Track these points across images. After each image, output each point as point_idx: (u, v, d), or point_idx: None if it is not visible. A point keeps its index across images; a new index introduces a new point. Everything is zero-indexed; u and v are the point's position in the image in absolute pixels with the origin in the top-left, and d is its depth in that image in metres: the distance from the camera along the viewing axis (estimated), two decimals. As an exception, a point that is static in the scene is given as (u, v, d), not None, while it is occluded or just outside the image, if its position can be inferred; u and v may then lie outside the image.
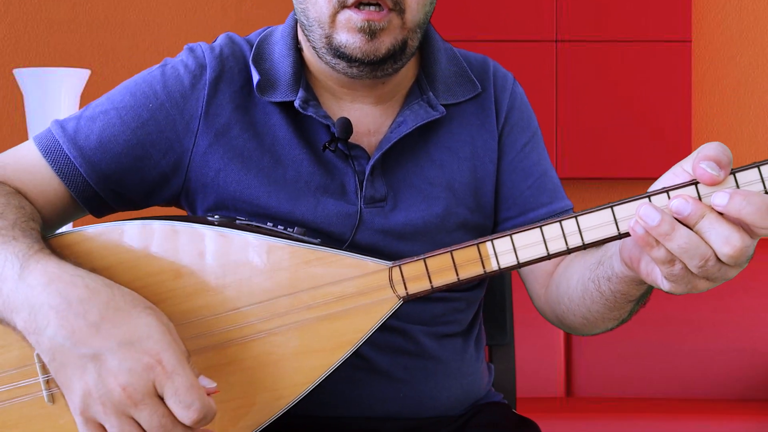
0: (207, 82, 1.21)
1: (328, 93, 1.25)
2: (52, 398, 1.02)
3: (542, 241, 0.97)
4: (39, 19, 3.71)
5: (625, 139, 3.56)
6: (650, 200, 0.92)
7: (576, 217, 0.96)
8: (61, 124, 1.21)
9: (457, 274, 1.00)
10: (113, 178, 1.20)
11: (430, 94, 1.25)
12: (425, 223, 1.23)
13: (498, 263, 0.99)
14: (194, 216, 1.15)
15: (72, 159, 1.18)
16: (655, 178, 0.96)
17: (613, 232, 0.95)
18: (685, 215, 0.89)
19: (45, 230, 1.10)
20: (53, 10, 3.71)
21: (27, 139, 3.06)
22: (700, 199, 0.91)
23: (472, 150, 1.27)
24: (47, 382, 1.02)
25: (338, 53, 1.16)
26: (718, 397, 3.26)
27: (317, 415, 1.21)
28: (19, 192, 1.15)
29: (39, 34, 3.70)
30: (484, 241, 0.99)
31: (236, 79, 1.22)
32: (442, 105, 1.24)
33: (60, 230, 1.14)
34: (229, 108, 1.21)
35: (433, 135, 1.26)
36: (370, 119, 1.24)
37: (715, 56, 3.75)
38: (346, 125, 1.18)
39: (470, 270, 1.00)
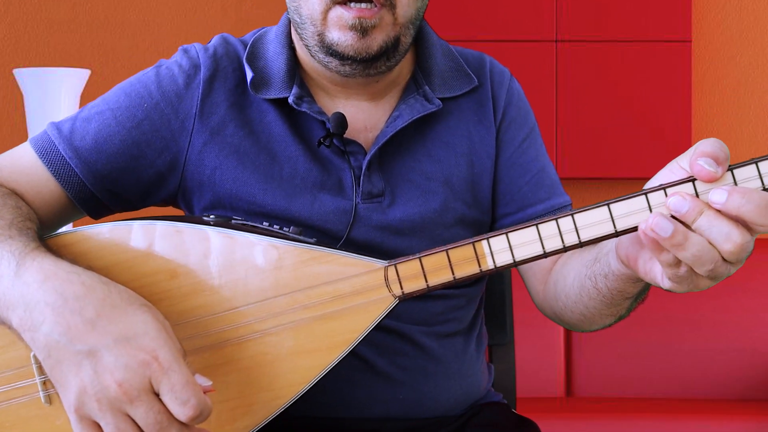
0: (201, 81, 1.21)
1: (322, 91, 1.25)
2: (49, 399, 1.02)
3: (538, 240, 0.97)
4: (39, 19, 3.71)
5: (625, 139, 3.56)
6: (647, 198, 0.92)
7: (572, 215, 0.96)
8: (57, 126, 1.21)
9: (453, 273, 1.00)
10: (109, 178, 1.20)
11: (426, 88, 1.25)
12: (422, 219, 1.23)
13: (494, 262, 0.99)
14: (190, 216, 1.15)
15: (68, 160, 1.18)
16: (656, 179, 0.96)
17: (610, 230, 0.95)
18: (682, 213, 0.88)
19: (42, 232, 1.10)
20: (53, 10, 3.71)
21: (27, 139, 3.06)
22: (697, 195, 0.90)
23: (469, 145, 1.27)
24: (44, 383, 1.02)
25: (330, 51, 1.16)
26: (718, 397, 3.26)
27: (316, 416, 1.21)
28: (15, 193, 1.15)
29: (39, 34, 3.70)
30: (480, 240, 0.99)
31: (230, 78, 1.23)
32: (439, 99, 1.25)
33: (56, 231, 1.14)
34: (224, 106, 1.21)
35: (430, 130, 1.26)
36: (365, 115, 1.24)
37: (715, 56, 3.75)
38: (341, 120, 1.18)
39: (466, 269, 1.00)
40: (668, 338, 3.30)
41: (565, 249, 0.96)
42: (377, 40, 1.15)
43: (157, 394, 0.93)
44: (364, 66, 1.17)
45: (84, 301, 0.94)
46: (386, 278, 1.02)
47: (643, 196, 0.92)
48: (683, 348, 3.30)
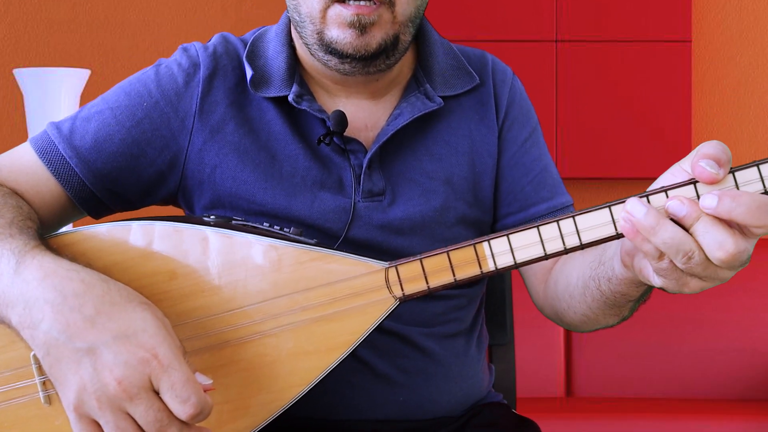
0: (201, 79, 1.21)
1: (322, 90, 1.25)
2: (49, 399, 1.01)
3: (539, 242, 0.96)
4: (39, 19, 3.71)
5: (625, 139, 3.55)
6: (649, 200, 0.92)
7: (573, 217, 0.95)
8: (57, 126, 1.21)
9: (454, 275, 1.00)
10: (109, 177, 1.20)
11: (427, 86, 1.25)
12: (423, 218, 1.22)
13: (495, 264, 0.98)
14: (190, 216, 1.15)
15: (68, 159, 1.18)
16: (655, 178, 0.95)
17: (611, 232, 0.95)
18: (680, 216, 0.88)
19: (43, 232, 1.09)
20: (53, 10, 3.71)
21: (27, 139, 3.06)
22: (698, 198, 0.90)
23: (470, 144, 1.27)
24: (43, 383, 1.01)
25: (330, 49, 1.16)
26: (718, 397, 3.26)
27: (316, 417, 1.21)
28: (16, 193, 1.15)
29: (39, 34, 3.70)
30: (481, 242, 0.98)
31: (230, 76, 1.23)
32: (440, 97, 1.24)
33: (57, 231, 1.14)
34: (224, 104, 1.21)
35: (431, 129, 1.25)
36: (366, 114, 1.24)
37: (715, 56, 3.75)
38: (341, 118, 1.18)
39: (467, 270, 0.99)
40: (668, 338, 3.30)
41: (566, 251, 0.96)
42: (376, 38, 1.15)
43: (156, 392, 0.92)
44: (364, 64, 1.17)
45: (83, 299, 0.94)
46: (387, 279, 1.02)
47: (645, 199, 0.92)
48: (683, 348, 3.30)
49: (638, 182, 3.61)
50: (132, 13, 3.74)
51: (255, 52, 1.24)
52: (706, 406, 3.05)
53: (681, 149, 3.50)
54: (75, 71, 2.82)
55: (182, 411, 0.91)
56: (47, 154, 1.19)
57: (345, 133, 1.20)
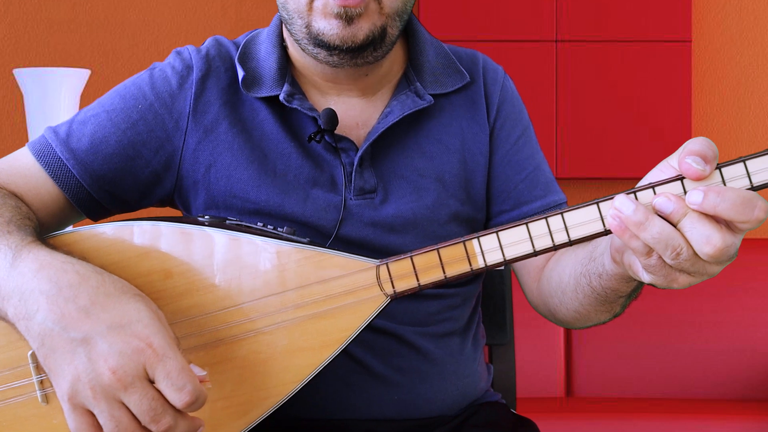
0: (194, 81, 1.23)
1: (314, 88, 1.26)
2: (46, 398, 1.02)
3: (528, 239, 0.97)
4: (39, 19, 3.71)
5: (625, 139, 3.56)
6: (636, 196, 0.92)
7: (562, 214, 0.96)
8: (54, 130, 1.23)
9: (444, 272, 1.00)
10: (106, 179, 1.21)
11: (418, 84, 1.26)
12: (415, 215, 1.23)
13: (485, 261, 0.99)
14: (185, 216, 1.16)
15: (65, 161, 1.20)
16: (656, 178, 0.96)
17: (599, 228, 0.95)
18: (667, 213, 0.89)
19: (42, 233, 1.10)
20: (53, 10, 3.71)
21: (27, 139, 3.06)
22: (686, 194, 0.90)
23: (462, 142, 1.27)
24: (41, 382, 1.02)
25: (317, 41, 1.17)
26: (718, 397, 3.26)
27: (311, 417, 1.21)
28: (15, 195, 1.16)
29: (39, 34, 3.71)
30: (471, 239, 0.99)
31: (223, 78, 1.24)
32: (431, 95, 1.25)
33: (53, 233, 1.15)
34: (217, 105, 1.22)
35: (422, 126, 1.26)
36: (357, 112, 1.25)
37: (715, 56, 3.75)
38: (331, 115, 1.19)
39: (457, 268, 1.00)
40: (668, 338, 3.30)
41: (555, 248, 0.97)
42: (363, 29, 1.16)
43: (151, 382, 0.93)
44: (352, 55, 1.18)
45: (78, 290, 0.95)
46: (378, 277, 1.02)
47: (632, 195, 0.92)
48: (683, 348, 3.30)
49: (638, 182, 3.61)
50: (132, 13, 3.74)
51: (247, 54, 1.26)
52: (706, 406, 3.05)
53: (681, 149, 3.49)
54: (75, 71, 2.82)
55: (178, 399, 0.92)
56: (45, 157, 1.20)
57: (336, 131, 1.22)
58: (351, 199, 1.22)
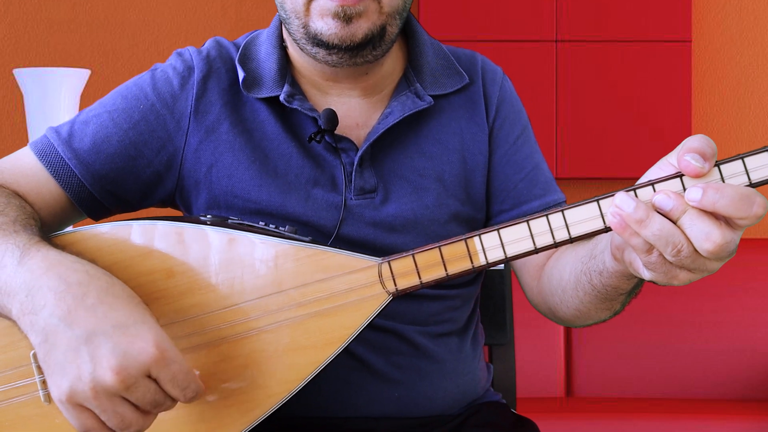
0: (195, 82, 1.23)
1: (314, 89, 1.26)
2: (49, 398, 1.02)
3: (529, 236, 0.98)
4: (39, 19, 3.71)
5: (625, 139, 3.56)
6: (636, 194, 0.92)
7: (563, 211, 0.97)
8: (56, 130, 1.24)
9: (446, 270, 1.01)
10: (108, 178, 1.21)
11: (418, 85, 1.26)
12: (415, 215, 1.23)
13: (486, 258, 0.99)
14: (187, 216, 1.16)
15: (67, 161, 1.20)
16: (655, 178, 0.96)
17: (600, 225, 0.96)
18: (667, 210, 0.89)
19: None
20: (53, 10, 3.71)
21: (27, 139, 3.06)
22: (685, 191, 0.91)
23: (461, 142, 1.28)
24: (43, 382, 1.02)
25: (316, 41, 1.17)
26: (718, 397, 3.26)
27: (312, 416, 1.22)
28: (17, 194, 1.17)
29: (39, 34, 3.71)
30: (472, 237, 0.99)
31: (224, 79, 1.25)
32: (431, 96, 1.26)
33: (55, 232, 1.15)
34: (218, 105, 1.23)
35: (422, 127, 1.27)
36: (357, 112, 1.25)
37: (715, 56, 3.75)
38: (331, 116, 1.19)
39: (458, 265, 1.00)
40: (668, 338, 3.31)
41: (556, 245, 0.97)
42: (362, 28, 1.16)
43: (153, 378, 0.94)
44: (351, 55, 1.18)
45: (87, 288, 0.96)
46: (380, 275, 1.02)
47: (633, 192, 0.93)
48: (683, 348, 3.30)
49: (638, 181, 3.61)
50: (132, 13, 3.74)
51: (247, 55, 1.26)
52: (706, 406, 3.06)
53: (681, 149, 3.49)
54: (75, 71, 2.82)
55: (183, 396, 0.95)
56: (47, 156, 1.20)
57: (337, 132, 1.22)
58: (351, 199, 1.22)
